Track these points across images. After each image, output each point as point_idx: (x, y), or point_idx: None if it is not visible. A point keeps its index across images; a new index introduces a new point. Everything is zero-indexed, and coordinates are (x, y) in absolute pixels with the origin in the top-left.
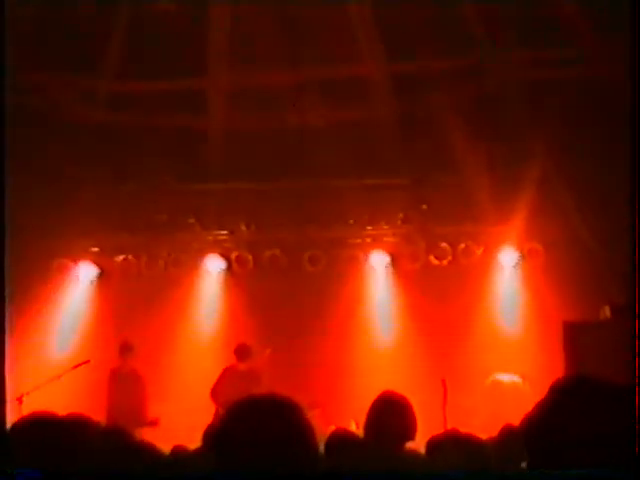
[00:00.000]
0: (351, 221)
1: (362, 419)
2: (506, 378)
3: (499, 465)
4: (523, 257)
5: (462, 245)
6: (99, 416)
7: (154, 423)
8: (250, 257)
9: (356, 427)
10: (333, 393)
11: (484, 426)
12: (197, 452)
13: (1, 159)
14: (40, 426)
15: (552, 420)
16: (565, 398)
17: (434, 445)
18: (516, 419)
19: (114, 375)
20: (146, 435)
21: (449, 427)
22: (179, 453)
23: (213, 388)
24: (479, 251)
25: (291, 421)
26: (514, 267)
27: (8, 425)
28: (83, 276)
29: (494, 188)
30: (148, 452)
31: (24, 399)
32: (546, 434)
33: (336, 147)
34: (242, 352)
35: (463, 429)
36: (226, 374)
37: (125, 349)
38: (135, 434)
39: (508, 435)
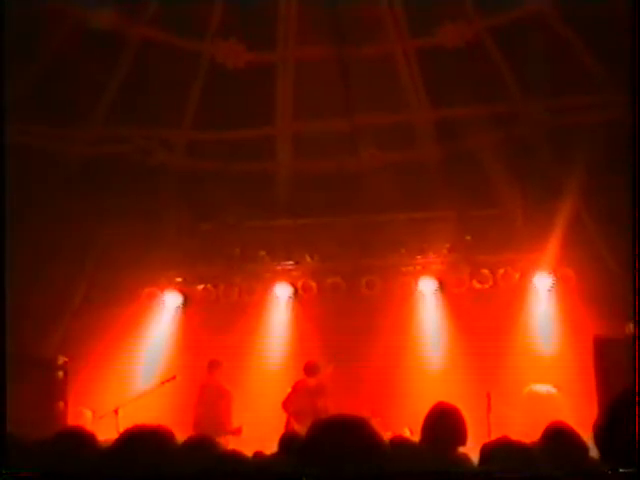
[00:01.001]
0: (403, 250)
1: (414, 426)
2: (542, 388)
3: (543, 466)
4: (556, 281)
5: (501, 271)
6: (186, 426)
7: (237, 432)
8: (314, 284)
9: (410, 433)
10: (388, 404)
11: (523, 432)
12: (275, 456)
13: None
14: (140, 437)
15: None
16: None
17: (488, 450)
18: (551, 424)
19: (204, 389)
20: (229, 443)
21: (493, 434)
22: (260, 457)
23: (285, 400)
24: (517, 276)
25: (365, 435)
26: (548, 290)
27: (107, 434)
28: (169, 303)
29: (530, 220)
30: (234, 457)
31: (119, 411)
32: (614, 436)
33: (389, 185)
34: (310, 368)
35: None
36: (296, 388)
37: (213, 366)
38: (220, 442)
39: (549, 439)
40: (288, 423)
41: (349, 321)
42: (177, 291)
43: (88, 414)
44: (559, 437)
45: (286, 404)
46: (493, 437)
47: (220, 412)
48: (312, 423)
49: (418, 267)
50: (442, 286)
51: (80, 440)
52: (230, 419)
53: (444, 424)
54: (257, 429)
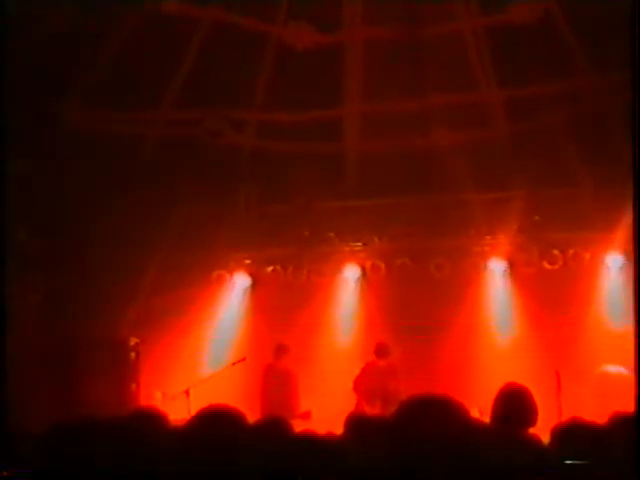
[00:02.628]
0: (472, 231)
1: (484, 406)
2: (613, 369)
3: (616, 450)
4: (628, 261)
5: (572, 251)
6: (255, 409)
7: (306, 416)
8: (383, 265)
9: (480, 414)
10: (458, 384)
11: (594, 414)
12: (344, 438)
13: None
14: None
15: None
16: None
17: (559, 432)
18: (623, 407)
19: (269, 372)
20: (297, 427)
21: (564, 415)
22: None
23: (355, 381)
24: (587, 256)
25: (458, 418)
26: (620, 269)
27: (178, 415)
28: (238, 285)
29: (601, 199)
30: (306, 439)
31: (190, 392)
32: None
33: (458, 165)
34: (381, 350)
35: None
36: (367, 369)
37: (281, 349)
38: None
39: (618, 422)
40: (358, 404)
41: (417, 302)
42: (246, 273)
43: (158, 395)
44: (632, 420)
45: (356, 385)
46: (564, 418)
47: (287, 395)
48: (401, 402)
49: (487, 248)
50: (511, 267)
51: (153, 420)
52: (297, 403)
53: (514, 404)
54: (326, 411)
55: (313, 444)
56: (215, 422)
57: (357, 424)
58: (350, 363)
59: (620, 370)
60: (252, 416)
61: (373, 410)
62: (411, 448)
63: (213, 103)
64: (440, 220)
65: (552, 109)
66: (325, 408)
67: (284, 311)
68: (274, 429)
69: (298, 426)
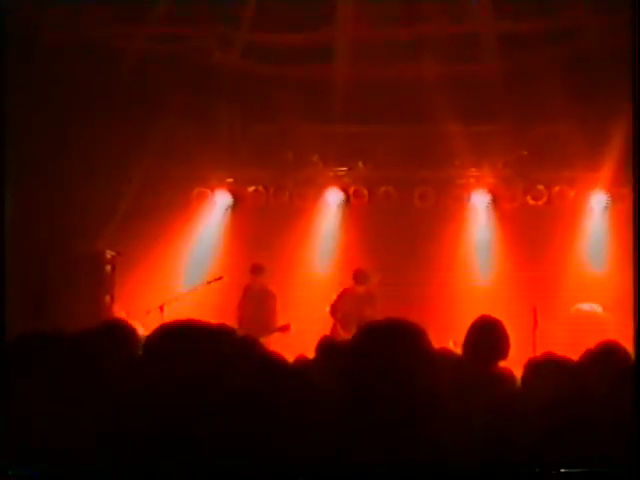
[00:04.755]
0: (457, 163)
1: (459, 339)
2: (587, 307)
3: (590, 384)
4: (612, 200)
5: (557, 188)
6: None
7: (285, 329)
8: (366, 192)
9: (454, 346)
10: (434, 316)
11: (568, 349)
12: (314, 363)
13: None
14: (187, 331)
15: None
16: None
17: (533, 366)
18: (595, 343)
19: (247, 291)
20: (274, 342)
21: (538, 350)
22: (301, 363)
23: (332, 305)
24: (572, 194)
25: (421, 346)
26: (603, 210)
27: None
28: (219, 203)
29: (588, 139)
30: (275, 361)
31: (165, 308)
32: None
33: (447, 97)
34: (359, 276)
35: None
36: (344, 294)
37: (257, 269)
38: (266, 341)
39: (590, 358)
40: (334, 329)
41: (400, 231)
42: (228, 192)
43: (123, 314)
44: (609, 355)
45: (333, 310)
46: (538, 354)
47: (265, 312)
48: (362, 326)
49: (472, 180)
50: (495, 200)
51: (121, 333)
52: (275, 318)
53: (485, 337)
54: (302, 334)
55: (281, 369)
56: (183, 337)
57: (328, 348)
58: (328, 288)
59: (594, 308)
60: (227, 332)
61: (348, 335)
62: (363, 376)
63: (201, 20)
64: (426, 150)
65: (545, 46)
66: (301, 331)
67: (264, 232)
68: (245, 348)
69: (277, 339)
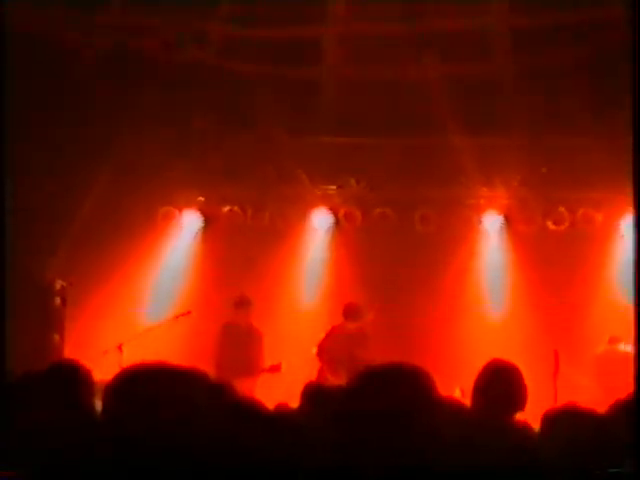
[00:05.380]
0: (465, 180)
1: (468, 387)
2: (618, 347)
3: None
4: None
5: (581, 210)
6: (205, 368)
7: (276, 369)
8: (359, 214)
9: (461, 394)
10: (438, 358)
11: (595, 400)
12: (298, 410)
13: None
14: (147, 376)
15: None
16: None
17: (552, 418)
18: (627, 393)
19: (229, 328)
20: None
21: (560, 400)
22: (281, 412)
23: (319, 346)
24: (599, 218)
25: (425, 395)
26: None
27: (102, 373)
28: (188, 225)
29: (616, 154)
30: (250, 410)
31: (124, 348)
32: None
33: (452, 103)
34: (350, 311)
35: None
36: (333, 333)
37: (242, 303)
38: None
39: (619, 411)
40: (321, 372)
41: (398, 260)
42: (198, 212)
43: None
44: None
45: (320, 351)
46: (559, 403)
47: (251, 353)
48: (358, 372)
49: (482, 201)
50: (509, 224)
51: (73, 376)
52: (262, 359)
53: (498, 384)
54: (284, 378)
55: (260, 419)
56: (148, 383)
57: (314, 396)
58: (315, 325)
59: (625, 348)
60: (199, 377)
61: (337, 380)
62: (359, 426)
63: (171, 11)
64: (428, 165)
65: (566, 45)
66: (283, 374)
67: (241, 259)
68: (220, 395)
69: (267, 381)
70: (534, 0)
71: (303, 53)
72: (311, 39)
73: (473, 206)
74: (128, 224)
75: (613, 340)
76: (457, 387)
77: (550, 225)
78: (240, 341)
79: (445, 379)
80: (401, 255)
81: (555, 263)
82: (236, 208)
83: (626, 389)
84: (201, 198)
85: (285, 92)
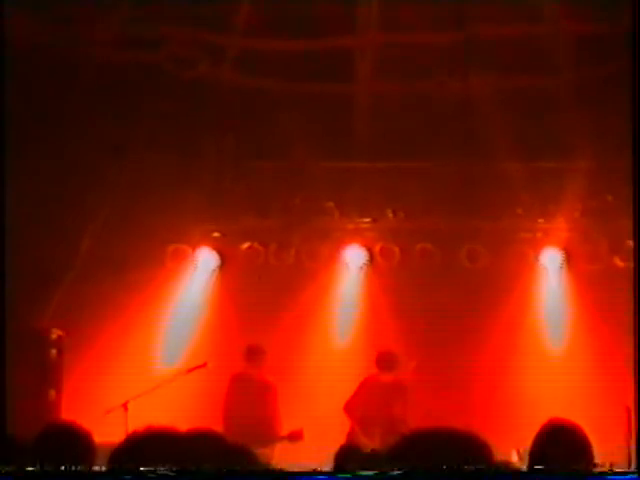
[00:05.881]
0: (519, 211)
1: (524, 449)
2: None
3: None
4: None
5: None
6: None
7: (297, 436)
8: (397, 250)
9: (518, 458)
10: (489, 415)
11: None
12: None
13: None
14: (154, 440)
15: None
16: None
17: None
18: None
19: (237, 382)
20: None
21: (633, 464)
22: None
23: (349, 402)
24: None
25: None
26: None
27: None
28: (202, 265)
29: None
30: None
31: (129, 406)
32: None
33: (504, 121)
34: (386, 361)
35: None
36: (365, 386)
37: (254, 353)
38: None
39: None
40: (351, 434)
41: (442, 302)
42: (213, 250)
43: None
44: None
45: (350, 407)
46: (633, 469)
47: (264, 412)
48: (398, 435)
49: (539, 234)
50: (571, 261)
51: (70, 440)
52: (278, 421)
53: (559, 447)
54: (311, 440)
55: None
56: (159, 448)
57: (347, 460)
58: (346, 377)
59: None
60: (213, 443)
61: (370, 442)
62: None
63: (181, 22)
64: (477, 193)
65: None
66: (309, 436)
67: (262, 303)
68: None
69: (285, 450)
70: (595, 5)
71: (333, 67)
72: (341, 52)
73: (529, 240)
74: (132, 265)
75: None
76: (513, 450)
77: (617, 261)
78: (252, 398)
79: (499, 440)
80: (445, 296)
81: (624, 306)
82: (257, 244)
83: None
84: (217, 234)
85: (312, 112)
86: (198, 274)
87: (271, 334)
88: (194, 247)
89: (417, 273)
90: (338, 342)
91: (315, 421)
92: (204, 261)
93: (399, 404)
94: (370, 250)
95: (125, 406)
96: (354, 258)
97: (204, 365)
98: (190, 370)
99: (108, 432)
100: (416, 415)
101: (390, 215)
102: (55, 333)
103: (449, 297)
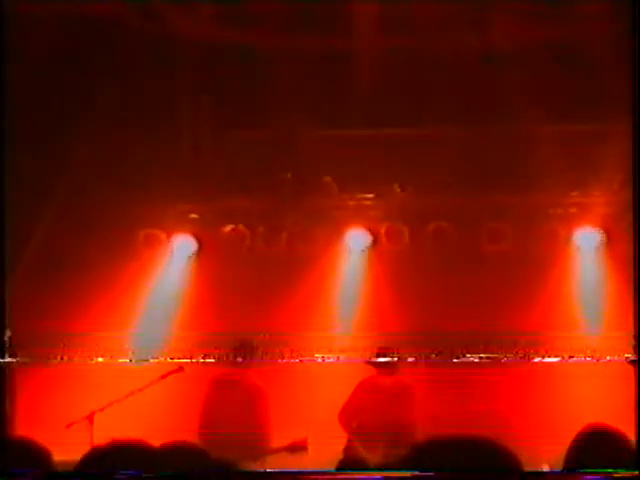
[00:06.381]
0: (549, 183)
1: (557, 460)
2: None
3: None
4: None
5: None
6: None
7: (300, 446)
8: (405, 230)
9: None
10: (511, 421)
11: None
12: None
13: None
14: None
15: None
16: None
17: None
18: None
19: (221, 386)
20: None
21: None
22: None
23: (343, 408)
24: None
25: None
26: None
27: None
28: (178, 252)
29: None
30: None
31: (95, 418)
32: None
33: (529, 78)
34: (387, 360)
35: None
36: (361, 389)
37: (244, 350)
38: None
39: None
40: (348, 446)
41: (458, 288)
42: (190, 234)
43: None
44: None
45: (345, 413)
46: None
47: (254, 421)
48: (404, 445)
49: (572, 210)
50: (610, 240)
51: (24, 459)
52: (270, 431)
53: (597, 459)
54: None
55: None
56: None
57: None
58: (342, 378)
59: None
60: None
61: (372, 456)
62: None
63: None
64: (499, 163)
65: None
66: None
67: (248, 296)
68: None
69: (288, 460)
70: None
71: (329, 19)
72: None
73: (560, 217)
74: (97, 255)
75: None
76: (544, 464)
77: None
78: (238, 404)
79: (528, 450)
80: (462, 281)
81: None
82: (241, 227)
83: None
84: (194, 215)
85: (305, 71)
86: (174, 263)
87: (259, 331)
88: (168, 232)
89: (429, 258)
90: (337, 339)
91: (313, 430)
92: (180, 247)
93: (403, 408)
94: (374, 232)
95: (90, 418)
96: (356, 241)
97: (180, 370)
98: (164, 376)
99: (70, 449)
100: (424, 423)
101: (397, 190)
102: (7, 334)
103: (467, 286)
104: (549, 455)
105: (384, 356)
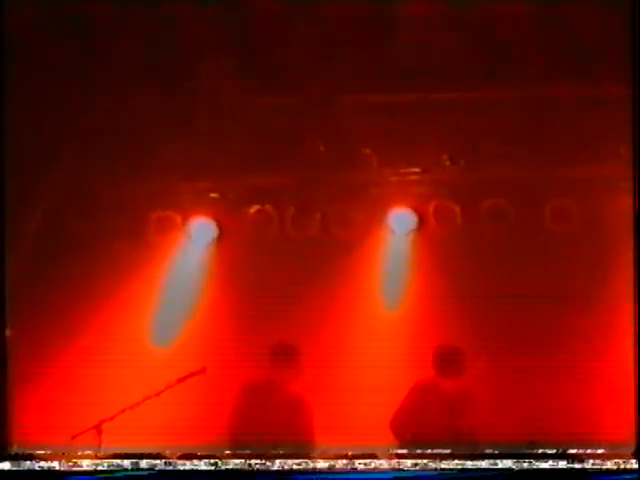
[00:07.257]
0: (623, 151)
1: None
2: None
3: None
4: None
5: None
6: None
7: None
8: (457, 209)
9: None
10: (582, 427)
11: None
12: None
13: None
14: None
15: None
16: None
17: None
18: None
19: (253, 391)
20: None
21: None
22: None
23: (396, 416)
24: None
25: None
26: None
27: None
28: (195, 237)
29: None
30: None
31: (104, 427)
32: None
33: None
34: (444, 359)
35: None
36: (415, 393)
37: (283, 354)
38: None
39: None
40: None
41: (519, 275)
42: (210, 217)
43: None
44: None
45: (398, 420)
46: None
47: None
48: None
49: None
50: None
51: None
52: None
53: None
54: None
55: None
56: None
57: None
58: (393, 381)
59: None
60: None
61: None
62: None
63: None
64: (563, 130)
65: None
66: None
67: (275, 288)
68: None
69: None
70: None
71: None
72: None
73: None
74: (104, 241)
75: None
76: None
77: None
78: (274, 413)
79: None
80: (524, 267)
81: None
82: (268, 208)
83: None
84: (214, 195)
85: (338, 30)
86: (190, 250)
87: (296, 326)
88: (185, 214)
89: (485, 240)
90: (383, 332)
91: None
92: (198, 232)
93: (463, 414)
94: (421, 211)
95: (99, 427)
96: (400, 223)
97: (203, 371)
98: (183, 378)
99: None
100: (485, 427)
101: (447, 163)
102: (7, 333)
103: (529, 268)
104: None
105: (443, 357)
